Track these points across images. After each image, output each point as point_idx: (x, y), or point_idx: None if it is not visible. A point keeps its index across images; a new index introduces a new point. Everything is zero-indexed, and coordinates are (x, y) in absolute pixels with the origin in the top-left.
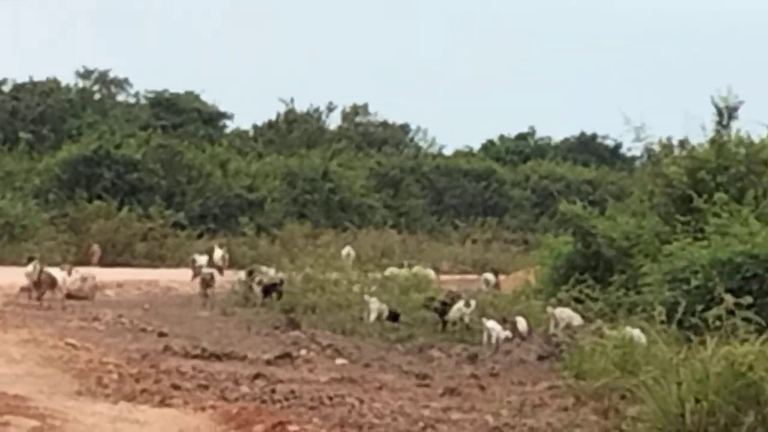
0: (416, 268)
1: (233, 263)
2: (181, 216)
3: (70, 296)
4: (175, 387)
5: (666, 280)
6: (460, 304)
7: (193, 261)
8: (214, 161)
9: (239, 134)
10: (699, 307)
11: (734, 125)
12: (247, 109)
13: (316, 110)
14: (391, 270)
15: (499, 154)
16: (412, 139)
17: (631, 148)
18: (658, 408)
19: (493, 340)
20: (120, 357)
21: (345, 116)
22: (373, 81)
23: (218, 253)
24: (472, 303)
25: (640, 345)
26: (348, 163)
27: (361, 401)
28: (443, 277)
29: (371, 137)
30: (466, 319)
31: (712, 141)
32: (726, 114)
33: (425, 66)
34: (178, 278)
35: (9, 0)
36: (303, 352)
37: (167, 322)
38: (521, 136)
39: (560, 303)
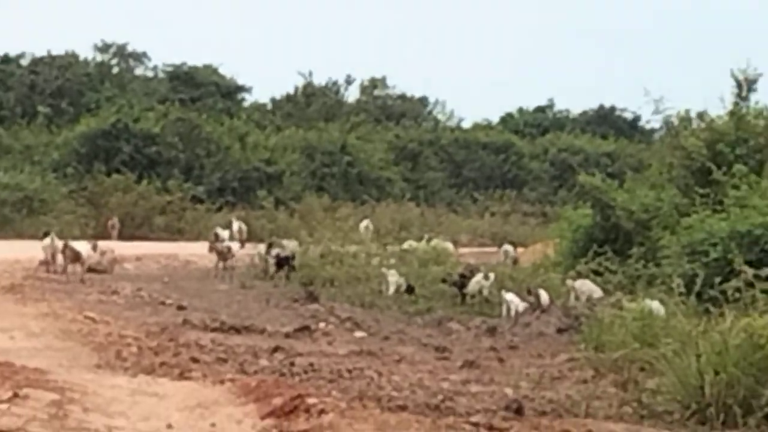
0: (435, 241)
1: (252, 237)
2: (199, 189)
3: (89, 270)
4: (194, 360)
5: (685, 252)
6: (479, 276)
7: (216, 235)
8: (233, 134)
9: (258, 107)
10: (718, 279)
11: (753, 97)
12: (266, 83)
13: (335, 83)
14: (410, 243)
15: (518, 127)
16: (430, 112)
17: (650, 120)
18: (677, 380)
19: (512, 313)
20: (139, 330)
21: (363, 89)
22: (392, 54)
23: (236, 225)
24: (491, 276)
25: (659, 317)
26: (366, 136)
27: (380, 374)
28: (462, 250)
29: (390, 110)
30: (485, 292)
31: (731, 113)
32: (745, 86)
33: (444, 39)
34: (197, 252)
35: None
36: (322, 325)
37: (186, 296)
38: (540, 109)
39: (579, 276)
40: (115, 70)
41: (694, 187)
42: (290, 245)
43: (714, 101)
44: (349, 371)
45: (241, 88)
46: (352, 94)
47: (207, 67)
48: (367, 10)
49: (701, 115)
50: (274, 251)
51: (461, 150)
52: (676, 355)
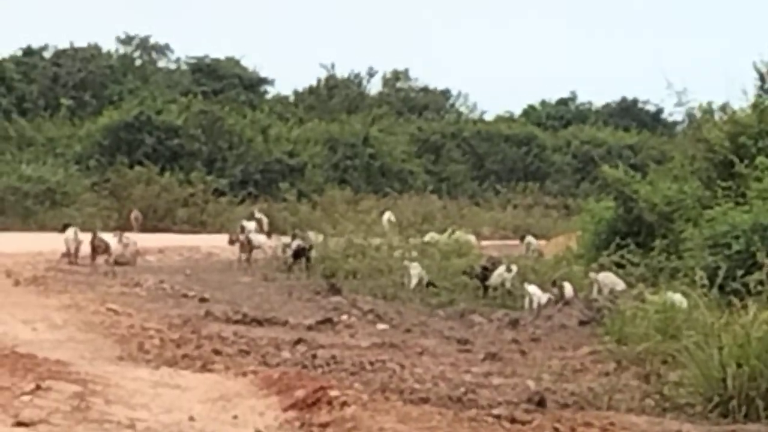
0: (457, 234)
1: (274, 229)
2: (222, 182)
3: (94, 258)
4: (217, 352)
5: (707, 245)
6: (501, 269)
7: (242, 227)
8: (255, 127)
9: (280, 100)
10: (740, 272)
11: None
12: (288, 75)
13: (357, 75)
14: (432, 235)
15: (540, 120)
16: (453, 105)
17: (673, 113)
18: (699, 373)
19: (535, 305)
20: (161, 322)
21: (386, 81)
22: (415, 46)
23: (257, 216)
24: (513, 268)
25: (681, 310)
26: (389, 129)
27: (402, 366)
28: (484, 243)
29: (412, 102)
30: (507, 285)
31: (754, 106)
32: None
33: (467, 31)
34: (220, 244)
35: None
36: (344, 317)
37: (208, 288)
38: (562, 101)
39: (602, 268)
40: (138, 62)
41: (716, 180)
42: (313, 237)
43: (737, 93)
44: (372, 363)
45: (264, 81)
46: (374, 87)
47: (229, 59)
48: (390, 2)
49: (724, 108)
50: (294, 243)
51: (483, 142)
52: (698, 347)
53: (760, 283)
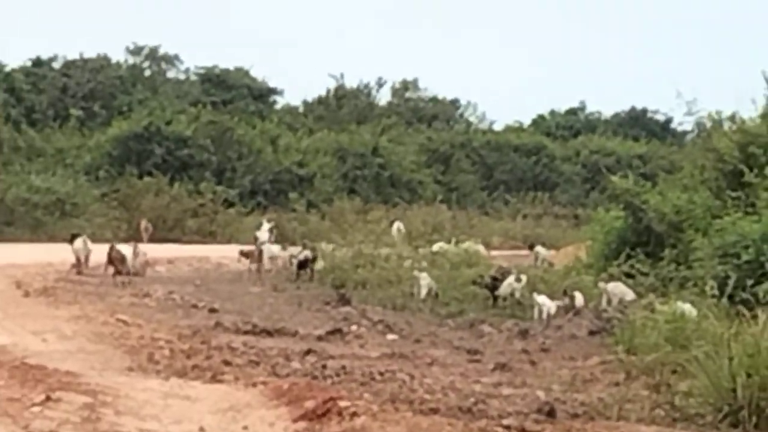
0: (466, 244)
1: (284, 239)
2: (231, 192)
3: (119, 272)
4: (226, 363)
5: (717, 254)
6: (511, 279)
7: (255, 238)
8: (265, 137)
9: (289, 110)
10: (750, 282)
11: None
12: (298, 85)
13: (366, 86)
14: (441, 245)
15: (550, 129)
16: (462, 115)
17: (682, 122)
18: (709, 383)
19: (544, 315)
20: (171, 333)
21: (395, 92)
22: (424, 56)
23: (265, 227)
24: (523, 278)
25: (691, 319)
26: (398, 139)
27: (412, 377)
28: (494, 253)
29: (421, 113)
30: (517, 294)
31: (764, 115)
32: None
33: (475, 41)
34: (229, 254)
35: None
36: (354, 327)
37: (218, 298)
38: (571, 111)
39: (611, 278)
40: (147, 72)
41: (726, 190)
42: (325, 247)
43: (746, 103)
44: (381, 374)
45: (273, 91)
46: (383, 97)
47: (239, 69)
48: (398, 13)
49: (733, 117)
50: (303, 254)
51: (493, 152)
52: (708, 357)
53: None
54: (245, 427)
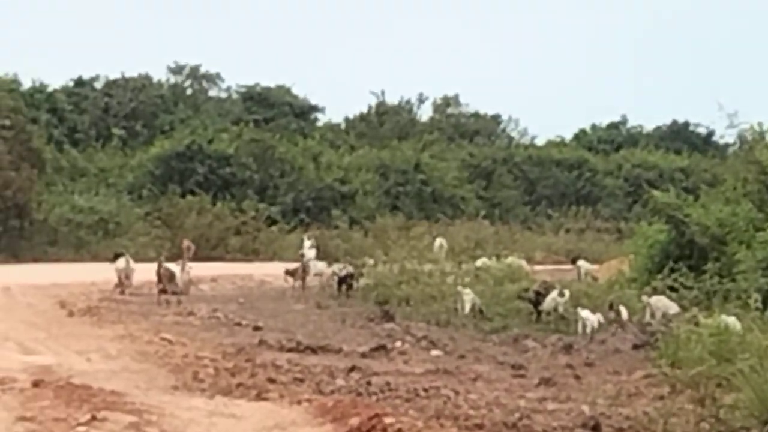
0: (509, 259)
1: (327, 256)
2: (273, 210)
3: (164, 291)
4: (271, 381)
5: (760, 267)
6: (554, 293)
7: (302, 255)
8: (307, 155)
9: (331, 127)
10: None
11: None
12: (339, 102)
13: (407, 102)
14: (483, 261)
15: (592, 144)
16: (503, 130)
17: (724, 135)
18: (754, 396)
19: (588, 330)
20: (215, 351)
21: (436, 107)
22: (465, 72)
23: (307, 244)
24: (566, 293)
25: (735, 332)
26: (440, 155)
27: (457, 392)
28: (537, 267)
29: (463, 128)
30: (560, 309)
31: None
32: None
33: (517, 56)
34: (272, 272)
35: None
36: (398, 344)
37: (262, 316)
38: (613, 125)
39: (655, 292)
40: (189, 91)
41: None
42: (370, 264)
43: None
44: (426, 390)
45: (315, 108)
46: (425, 113)
47: (280, 87)
48: (439, 29)
49: None
50: (343, 271)
51: (535, 167)
52: (753, 370)
53: None
54: None
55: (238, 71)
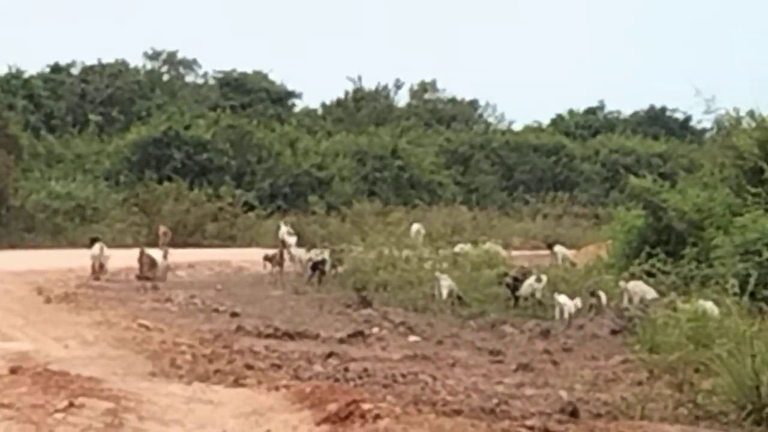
0: (487, 245)
1: (304, 242)
2: (251, 196)
3: (141, 277)
4: (249, 367)
5: (738, 252)
6: (532, 279)
7: (282, 241)
8: (284, 140)
9: (308, 113)
10: None
11: None
12: (316, 88)
13: (385, 88)
14: (461, 246)
15: (569, 129)
16: (481, 115)
17: (701, 120)
18: (732, 381)
19: (565, 315)
20: (193, 337)
21: (413, 93)
22: (442, 57)
23: (283, 229)
24: (544, 278)
25: (713, 318)
26: (417, 140)
27: (435, 378)
28: (514, 253)
29: (440, 114)
30: (538, 295)
31: None
32: None
33: (493, 41)
34: (250, 258)
35: None
36: (375, 330)
37: (239, 302)
38: (590, 111)
39: (632, 277)
40: (166, 77)
41: (746, 187)
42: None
43: (765, 100)
44: (404, 376)
45: (291, 94)
46: (402, 99)
47: (257, 73)
48: (415, 14)
49: (752, 114)
50: (318, 257)
51: (512, 153)
52: (730, 355)
53: None
54: (268, 431)
55: (214, 57)
